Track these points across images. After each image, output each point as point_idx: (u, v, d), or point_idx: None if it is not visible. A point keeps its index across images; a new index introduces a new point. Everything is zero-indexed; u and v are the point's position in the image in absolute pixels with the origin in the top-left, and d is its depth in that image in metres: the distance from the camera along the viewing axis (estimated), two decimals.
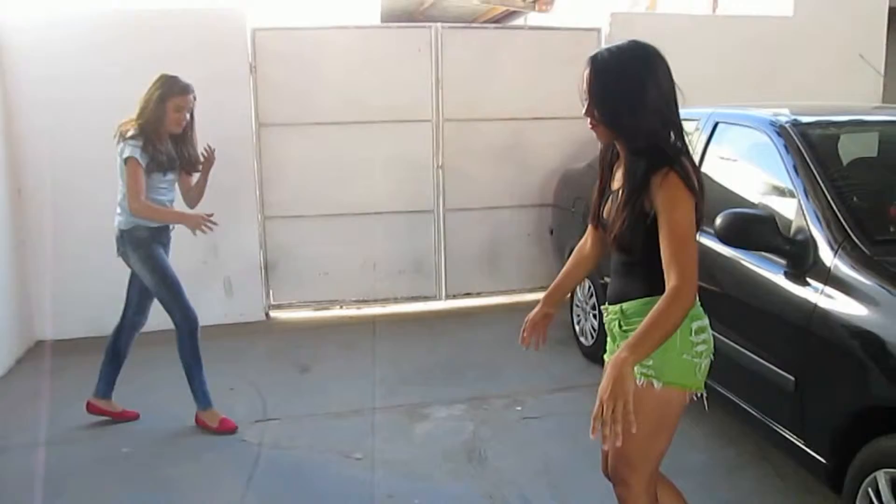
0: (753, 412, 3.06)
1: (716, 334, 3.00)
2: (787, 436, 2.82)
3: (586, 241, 2.44)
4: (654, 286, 1.99)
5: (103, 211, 5.26)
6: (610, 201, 2.15)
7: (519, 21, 11.66)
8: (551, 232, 5.60)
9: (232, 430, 3.86)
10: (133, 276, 4.03)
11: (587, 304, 4.73)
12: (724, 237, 2.95)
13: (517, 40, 6.01)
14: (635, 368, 1.90)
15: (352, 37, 5.81)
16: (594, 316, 4.61)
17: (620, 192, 2.06)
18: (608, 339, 2.28)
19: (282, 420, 4.02)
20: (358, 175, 5.76)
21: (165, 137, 3.84)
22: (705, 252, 3.31)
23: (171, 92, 3.83)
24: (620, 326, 2.16)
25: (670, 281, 1.89)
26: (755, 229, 2.87)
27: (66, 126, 5.20)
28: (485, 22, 11.51)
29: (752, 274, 3.08)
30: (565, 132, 5.83)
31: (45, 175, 5.23)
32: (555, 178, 5.69)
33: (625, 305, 2.13)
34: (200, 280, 5.53)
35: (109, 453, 3.71)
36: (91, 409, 4.03)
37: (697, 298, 2.05)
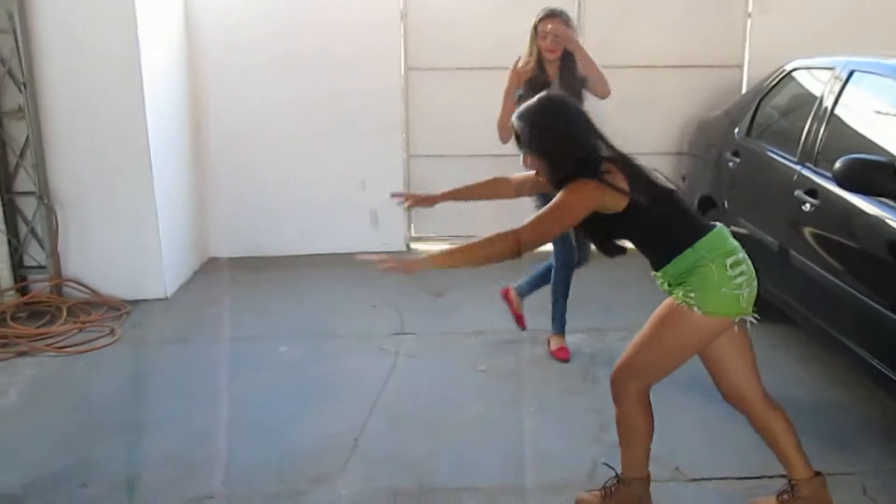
0: (865, 355, 3.15)
1: (828, 276, 3.14)
2: (891, 374, 2.92)
3: (521, 180, 2.81)
4: (672, 248, 2.36)
5: (266, 145, 5.96)
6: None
7: None
8: (683, 179, 5.69)
9: (564, 360, 4.09)
10: None
11: None
12: (842, 182, 3.04)
13: None
14: (680, 294, 2.31)
15: None
16: None
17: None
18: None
19: (417, 335, 4.49)
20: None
21: (543, 64, 4.06)
22: (829, 199, 3.40)
23: (537, 19, 4.09)
24: (670, 285, 2.44)
25: (519, 227, 2.31)
26: (874, 175, 2.95)
27: (234, 68, 5.85)
28: None
29: (866, 217, 3.14)
30: (705, 80, 5.85)
31: (219, 110, 5.92)
32: (690, 126, 5.74)
33: (666, 268, 2.42)
34: (349, 211, 6.12)
35: (270, 351, 4.31)
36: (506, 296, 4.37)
37: (730, 238, 2.43)
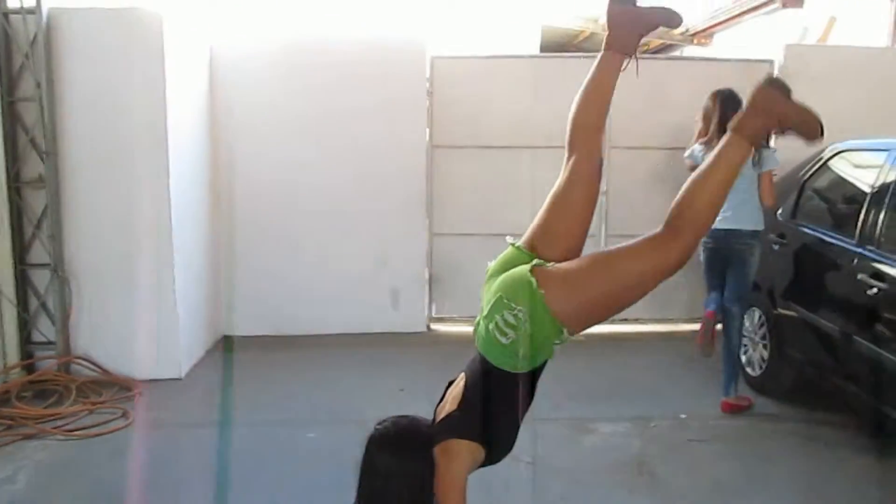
0: None
1: None
2: None
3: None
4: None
5: (285, 219, 5.81)
6: None
7: (675, 54, 11.61)
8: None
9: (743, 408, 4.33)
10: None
11: (756, 334, 4.67)
12: None
13: (686, 72, 6.08)
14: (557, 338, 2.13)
15: (523, 65, 6.08)
16: (764, 346, 4.55)
17: None
18: None
19: None
20: (522, 197, 5.93)
21: None
22: (893, 282, 3.26)
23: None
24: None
25: None
26: None
27: (257, 143, 5.74)
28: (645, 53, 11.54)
29: None
30: None
31: (237, 185, 5.79)
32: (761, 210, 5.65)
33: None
34: (369, 289, 5.93)
35: (297, 437, 4.04)
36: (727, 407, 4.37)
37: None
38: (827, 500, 3.35)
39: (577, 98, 2.35)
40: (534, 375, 2.28)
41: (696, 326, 5.11)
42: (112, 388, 4.70)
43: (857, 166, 4.14)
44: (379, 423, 2.31)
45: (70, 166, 4.75)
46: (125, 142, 4.75)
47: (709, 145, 4.52)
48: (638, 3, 2.29)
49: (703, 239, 4.44)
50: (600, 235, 6.03)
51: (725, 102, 4.40)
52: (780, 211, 4.57)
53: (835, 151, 4.36)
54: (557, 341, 2.16)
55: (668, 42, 11.59)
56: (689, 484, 3.48)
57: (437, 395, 4.69)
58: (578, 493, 3.40)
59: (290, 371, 5.14)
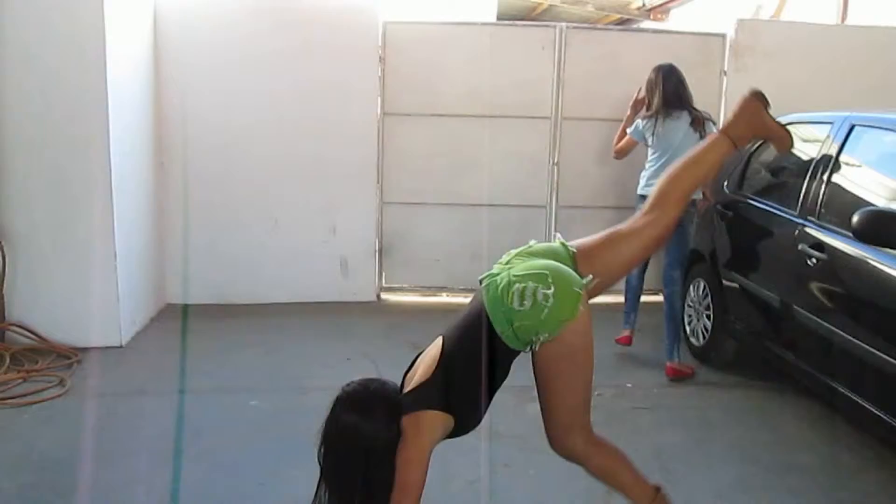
0: (877, 411, 3.03)
1: (837, 331, 3.03)
2: None
3: None
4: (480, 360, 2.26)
5: (233, 187, 5.69)
6: None
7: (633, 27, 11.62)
8: None
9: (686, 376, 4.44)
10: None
11: (700, 304, 4.73)
12: (860, 234, 2.96)
13: (640, 43, 6.05)
14: (540, 340, 2.19)
15: (477, 33, 5.99)
16: (707, 317, 4.61)
17: None
18: None
19: None
20: (475, 167, 5.92)
21: None
22: (837, 255, 3.32)
23: None
24: (531, 341, 2.26)
25: None
26: (892, 226, 2.87)
27: (204, 109, 5.58)
28: None
29: (884, 274, 3.06)
30: None
31: (184, 151, 5.62)
32: None
33: (514, 348, 2.28)
34: (319, 258, 5.86)
35: (239, 405, 3.98)
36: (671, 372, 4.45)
37: (491, 294, 2.27)
38: (763, 465, 3.42)
39: (676, 166, 2.53)
40: (511, 356, 2.31)
41: (646, 298, 5.21)
42: (49, 355, 4.56)
43: (801, 139, 4.16)
44: (347, 385, 2.33)
45: (5, 132, 4.55)
46: (62, 102, 4.56)
47: (650, 119, 4.59)
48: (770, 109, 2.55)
49: None
50: (550, 206, 6.03)
51: (667, 76, 4.65)
52: (726, 183, 4.61)
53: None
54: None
55: (626, 17, 11.59)
56: (631, 450, 3.43)
57: (384, 363, 4.71)
58: (522, 459, 3.41)
59: (235, 339, 5.05)
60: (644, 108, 4.81)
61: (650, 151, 4.77)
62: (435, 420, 2.24)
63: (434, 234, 6.01)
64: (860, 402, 3.15)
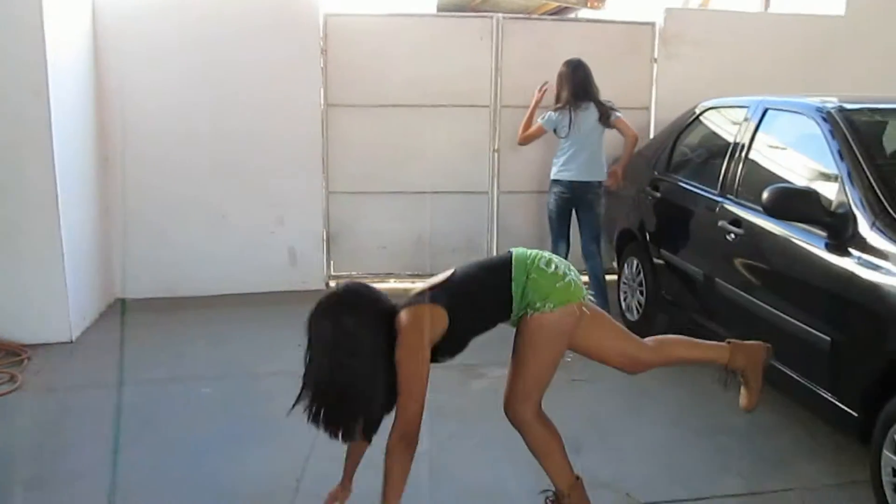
0: (792, 374, 3.30)
1: (755, 301, 3.30)
2: (822, 393, 3.07)
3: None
4: (502, 300, 2.52)
5: (179, 181, 5.73)
6: None
7: (571, 16, 11.87)
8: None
9: None
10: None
11: (634, 281, 4.98)
12: (770, 210, 3.20)
13: (574, 32, 6.27)
14: (531, 313, 2.49)
15: (416, 24, 6.13)
16: (640, 293, 4.86)
17: None
18: None
19: None
20: (418, 155, 6.07)
21: None
22: (752, 230, 3.57)
23: None
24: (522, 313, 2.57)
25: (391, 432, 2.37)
26: (798, 202, 3.13)
27: (147, 102, 5.61)
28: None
29: (793, 246, 3.31)
30: None
31: (127, 146, 5.65)
32: (606, 164, 5.93)
33: (513, 310, 2.54)
34: (267, 248, 5.95)
35: (191, 393, 4.08)
36: None
37: (527, 251, 2.59)
38: (692, 428, 3.67)
39: (682, 340, 2.88)
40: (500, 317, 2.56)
41: (585, 278, 5.46)
42: None
43: (722, 122, 4.44)
44: (335, 286, 2.49)
45: None
46: (4, 102, 4.56)
47: (562, 111, 5.10)
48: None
49: (558, 190, 4.97)
50: (492, 192, 6.23)
51: (574, 70, 5.11)
52: (655, 164, 4.86)
53: (704, 108, 4.67)
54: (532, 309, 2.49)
55: (564, 5, 11.84)
56: (569, 418, 3.67)
57: None
58: (466, 431, 3.60)
59: (185, 331, 5.13)
60: (554, 99, 5.26)
61: (562, 141, 5.18)
62: (431, 311, 2.37)
63: (380, 223, 6.15)
64: (778, 366, 3.40)
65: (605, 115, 5.09)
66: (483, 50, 6.04)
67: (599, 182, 5.17)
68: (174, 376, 4.33)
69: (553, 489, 2.73)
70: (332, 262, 6.20)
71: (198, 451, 3.44)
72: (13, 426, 3.71)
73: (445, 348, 2.50)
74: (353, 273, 6.23)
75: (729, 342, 2.81)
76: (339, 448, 3.39)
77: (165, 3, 5.58)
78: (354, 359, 2.32)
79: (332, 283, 6.21)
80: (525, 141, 5.50)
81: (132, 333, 5.07)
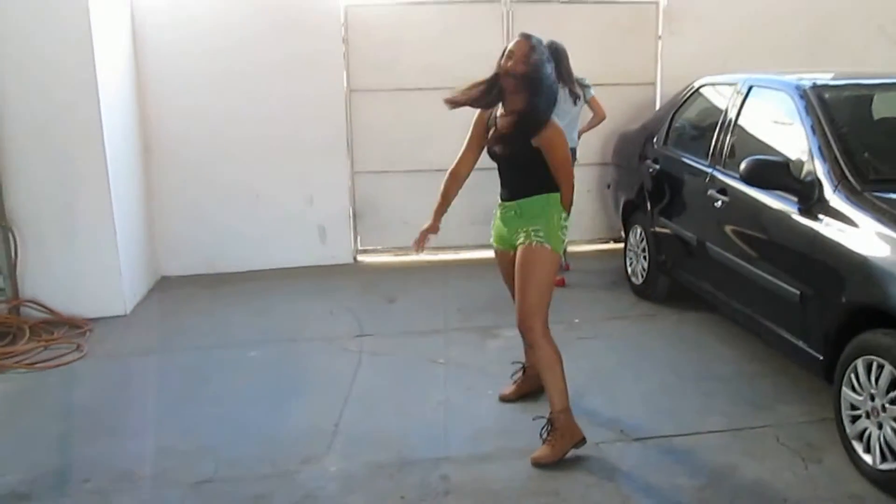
0: (769, 323, 3.70)
1: (740, 262, 3.70)
2: (792, 339, 3.48)
3: (461, 165, 3.64)
4: (541, 186, 3.27)
5: (215, 165, 6.21)
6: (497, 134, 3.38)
7: None
8: (608, 186, 6.24)
9: None
10: None
11: (638, 248, 5.37)
12: (747, 178, 3.58)
13: (580, 14, 6.61)
14: (530, 235, 3.24)
15: (431, 11, 6.50)
16: (644, 258, 5.25)
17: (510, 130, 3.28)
18: (499, 226, 3.50)
19: (376, 336, 4.84)
20: (436, 136, 6.44)
21: None
22: (736, 197, 3.95)
23: None
24: (516, 215, 3.32)
25: (562, 186, 3.28)
26: (770, 171, 3.51)
27: (183, 97, 6.09)
28: None
29: (769, 210, 3.69)
30: (623, 96, 6.43)
31: (169, 134, 6.15)
32: (613, 138, 6.30)
33: (524, 201, 3.30)
34: (298, 227, 6.42)
35: (240, 357, 4.57)
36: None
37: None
38: (684, 376, 4.08)
39: (555, 361, 3.30)
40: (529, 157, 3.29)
41: (595, 247, 5.89)
42: (62, 326, 5.10)
43: (715, 97, 4.78)
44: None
45: (7, 126, 5.02)
46: (58, 100, 5.03)
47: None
48: None
49: None
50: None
51: (552, 53, 5.47)
52: (655, 139, 5.22)
53: (700, 84, 5.01)
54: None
55: None
56: (575, 369, 4.13)
57: (363, 314, 5.33)
58: (483, 383, 4.04)
59: (227, 303, 5.63)
60: None
61: None
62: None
63: (402, 199, 6.58)
64: (762, 321, 3.80)
65: (576, 97, 5.49)
66: (494, 34, 6.40)
67: (574, 149, 5.51)
68: (223, 343, 4.83)
69: (545, 416, 3.27)
70: (358, 238, 6.67)
71: (247, 404, 3.93)
72: (86, 387, 4.22)
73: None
74: (378, 247, 6.69)
75: (568, 410, 3.25)
76: (370, 398, 3.89)
77: (198, 8, 6.04)
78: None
79: (359, 258, 6.68)
80: None
81: (180, 307, 5.59)
